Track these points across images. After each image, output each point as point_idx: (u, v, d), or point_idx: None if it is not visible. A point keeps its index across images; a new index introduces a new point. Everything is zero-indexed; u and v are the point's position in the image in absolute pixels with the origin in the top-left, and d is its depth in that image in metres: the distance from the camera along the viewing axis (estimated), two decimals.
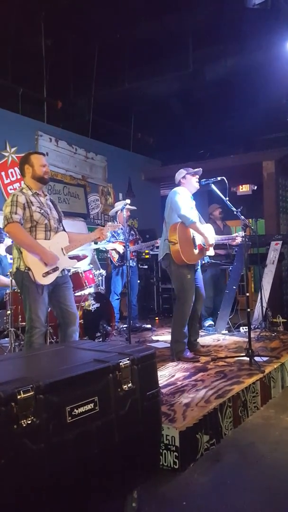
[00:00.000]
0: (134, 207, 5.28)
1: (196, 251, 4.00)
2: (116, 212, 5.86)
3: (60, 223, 3.36)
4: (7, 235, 5.15)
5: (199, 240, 4.02)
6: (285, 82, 6.95)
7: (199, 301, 4.15)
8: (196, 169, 4.13)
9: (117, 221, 5.90)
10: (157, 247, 6.50)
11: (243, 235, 4.05)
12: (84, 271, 4.78)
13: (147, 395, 1.97)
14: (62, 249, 3.25)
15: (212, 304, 5.89)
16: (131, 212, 6.06)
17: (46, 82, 7.32)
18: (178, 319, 4.01)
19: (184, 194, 4.04)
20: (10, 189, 6.19)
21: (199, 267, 4.19)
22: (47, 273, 3.11)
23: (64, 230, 3.37)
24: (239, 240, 4.02)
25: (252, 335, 3.88)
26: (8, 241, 5.21)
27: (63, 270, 3.29)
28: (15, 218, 3.04)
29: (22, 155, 3.45)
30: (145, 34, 6.92)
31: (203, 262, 4.38)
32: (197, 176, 4.14)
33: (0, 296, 4.94)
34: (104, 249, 6.04)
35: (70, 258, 3.40)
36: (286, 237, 5.88)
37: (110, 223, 5.00)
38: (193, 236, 4.00)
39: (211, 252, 4.13)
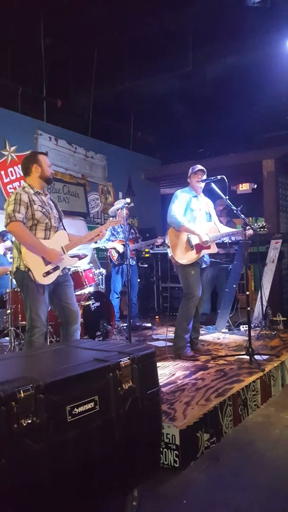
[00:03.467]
0: (132, 204, 5.28)
1: (193, 251, 4.02)
2: (116, 211, 5.86)
3: (60, 222, 3.36)
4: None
5: (196, 240, 4.03)
6: (285, 81, 6.94)
7: (200, 300, 4.17)
8: (197, 169, 4.13)
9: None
10: (157, 246, 6.52)
11: (258, 227, 4.03)
12: (84, 270, 4.79)
13: (147, 394, 1.97)
14: (62, 247, 3.25)
15: (210, 305, 5.91)
16: (131, 211, 6.05)
17: (46, 81, 7.31)
18: (184, 314, 4.06)
19: (181, 198, 4.09)
20: (10, 188, 6.19)
21: (204, 266, 4.19)
22: (48, 273, 3.11)
23: (64, 229, 3.37)
24: (250, 232, 3.98)
25: (252, 334, 3.89)
26: (8, 243, 5.21)
27: (64, 268, 3.29)
28: (18, 217, 3.04)
29: (26, 154, 3.46)
30: (144, 32, 6.91)
31: (209, 261, 4.36)
32: (200, 175, 4.13)
33: (0, 294, 4.94)
34: (104, 248, 6.04)
35: (71, 257, 3.40)
36: (286, 236, 5.87)
37: (111, 219, 4.99)
38: (189, 238, 4.02)
39: (213, 249, 4.13)
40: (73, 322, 3.27)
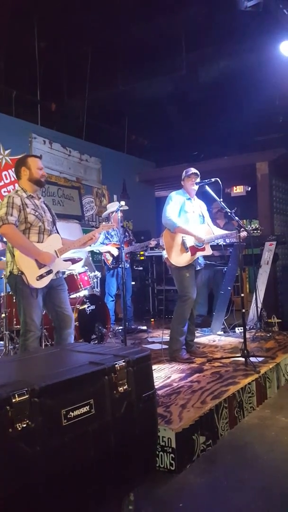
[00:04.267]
0: (126, 207, 5.29)
1: (187, 253, 4.02)
2: (110, 214, 5.87)
3: (54, 226, 3.35)
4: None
5: (190, 242, 4.03)
6: (278, 84, 6.98)
7: (194, 303, 4.17)
8: (191, 172, 4.14)
9: (111, 223, 5.89)
10: (151, 248, 6.52)
11: (251, 229, 4.05)
12: (79, 273, 4.78)
13: (143, 397, 1.97)
14: (55, 251, 3.24)
15: (207, 307, 5.91)
16: (126, 213, 6.05)
17: (40, 84, 7.31)
18: (179, 316, 4.07)
19: (176, 200, 4.09)
20: (4, 192, 6.17)
21: (198, 268, 4.20)
22: (41, 276, 3.10)
23: (57, 232, 3.37)
24: (244, 234, 4.01)
25: (247, 336, 3.89)
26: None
27: (58, 272, 3.28)
28: (10, 220, 3.03)
29: (18, 157, 3.45)
30: (138, 36, 6.92)
31: (204, 263, 4.38)
32: (193, 178, 4.14)
33: None
34: (98, 252, 6.03)
35: (65, 260, 3.39)
36: (280, 238, 5.90)
37: (104, 223, 4.99)
38: (183, 240, 4.02)
39: (208, 251, 4.13)
40: (66, 326, 3.26)
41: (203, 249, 4.09)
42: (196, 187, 4.17)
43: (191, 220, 4.12)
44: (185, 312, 4.05)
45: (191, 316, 4.18)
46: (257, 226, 4.08)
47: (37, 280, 3.08)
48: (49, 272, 3.15)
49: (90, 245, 4.51)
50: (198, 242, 4.03)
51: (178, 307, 4.09)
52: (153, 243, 5.85)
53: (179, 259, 4.02)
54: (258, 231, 4.07)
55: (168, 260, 4.07)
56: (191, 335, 4.28)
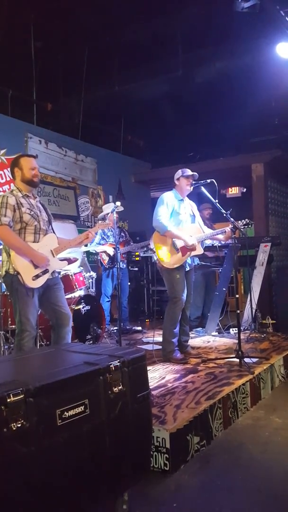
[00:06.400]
0: (122, 208, 5.27)
1: (178, 254, 4.01)
2: (106, 215, 5.86)
3: (49, 225, 3.35)
4: None
5: (181, 243, 4.02)
6: (274, 85, 7.01)
7: (187, 303, 4.17)
8: (190, 173, 4.14)
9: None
10: (151, 249, 6.52)
11: (242, 224, 4.07)
12: (75, 274, 4.78)
13: (138, 397, 1.97)
14: (51, 251, 3.24)
15: (201, 310, 5.92)
16: (121, 214, 6.05)
17: (36, 84, 7.29)
18: (170, 319, 4.06)
19: (168, 202, 4.07)
20: (0, 191, 6.15)
21: (188, 268, 4.19)
22: (37, 276, 3.09)
23: (53, 232, 3.36)
24: (235, 231, 4.04)
25: (241, 337, 3.91)
26: None
27: (54, 272, 3.28)
28: (4, 221, 3.02)
29: (13, 157, 3.44)
30: (135, 37, 6.93)
31: (195, 264, 4.38)
32: (191, 180, 4.14)
33: None
34: (94, 252, 6.03)
35: (60, 260, 3.39)
36: (275, 239, 5.93)
37: (100, 221, 4.97)
38: (173, 241, 4.02)
39: (199, 250, 4.12)
40: (64, 324, 3.26)
41: (194, 249, 4.07)
42: (191, 188, 4.17)
43: (183, 221, 4.12)
44: (176, 313, 4.04)
45: (184, 317, 4.18)
46: (247, 221, 4.09)
47: (33, 280, 3.07)
48: (45, 272, 3.15)
49: (86, 245, 4.51)
50: (188, 247, 4.01)
51: (169, 308, 4.09)
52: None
53: (169, 260, 4.00)
54: (249, 226, 4.09)
55: (158, 262, 4.06)
56: (185, 335, 4.29)
